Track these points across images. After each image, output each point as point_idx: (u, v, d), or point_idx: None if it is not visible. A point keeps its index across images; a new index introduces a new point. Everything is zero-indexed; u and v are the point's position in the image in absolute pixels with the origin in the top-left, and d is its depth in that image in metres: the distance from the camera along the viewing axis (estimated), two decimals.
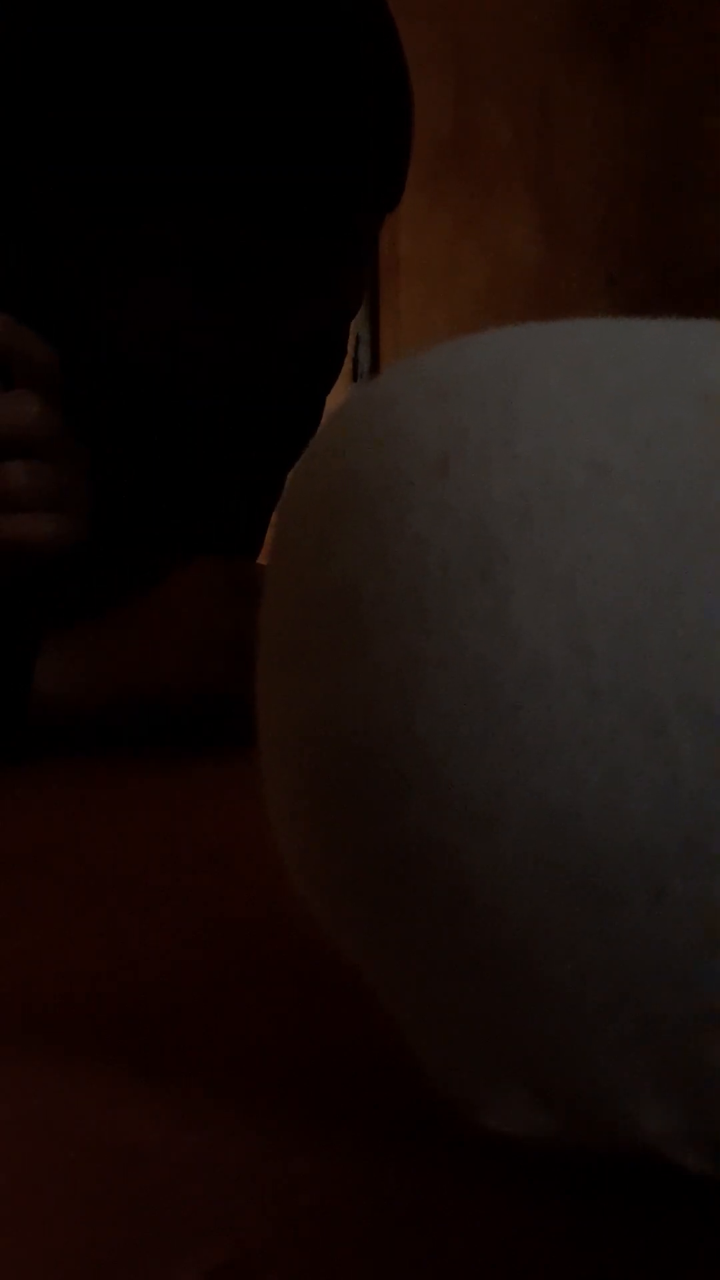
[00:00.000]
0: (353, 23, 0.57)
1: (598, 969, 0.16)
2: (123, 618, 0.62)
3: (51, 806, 0.50)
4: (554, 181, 1.99)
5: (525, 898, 0.16)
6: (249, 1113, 0.21)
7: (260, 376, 0.64)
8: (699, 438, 0.16)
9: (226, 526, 0.71)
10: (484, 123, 2.02)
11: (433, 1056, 0.19)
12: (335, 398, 0.75)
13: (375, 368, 2.06)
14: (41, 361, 0.56)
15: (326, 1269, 0.17)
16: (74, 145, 0.55)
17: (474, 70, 2.02)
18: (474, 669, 0.16)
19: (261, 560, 0.75)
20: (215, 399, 0.64)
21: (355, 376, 1.96)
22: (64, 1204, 0.19)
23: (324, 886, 0.19)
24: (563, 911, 0.16)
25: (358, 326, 2.04)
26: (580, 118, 1.98)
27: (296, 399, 0.70)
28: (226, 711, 0.59)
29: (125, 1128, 0.21)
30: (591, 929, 0.16)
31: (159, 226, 0.56)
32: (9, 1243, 0.18)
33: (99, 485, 0.60)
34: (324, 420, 0.21)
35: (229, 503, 0.71)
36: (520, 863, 0.16)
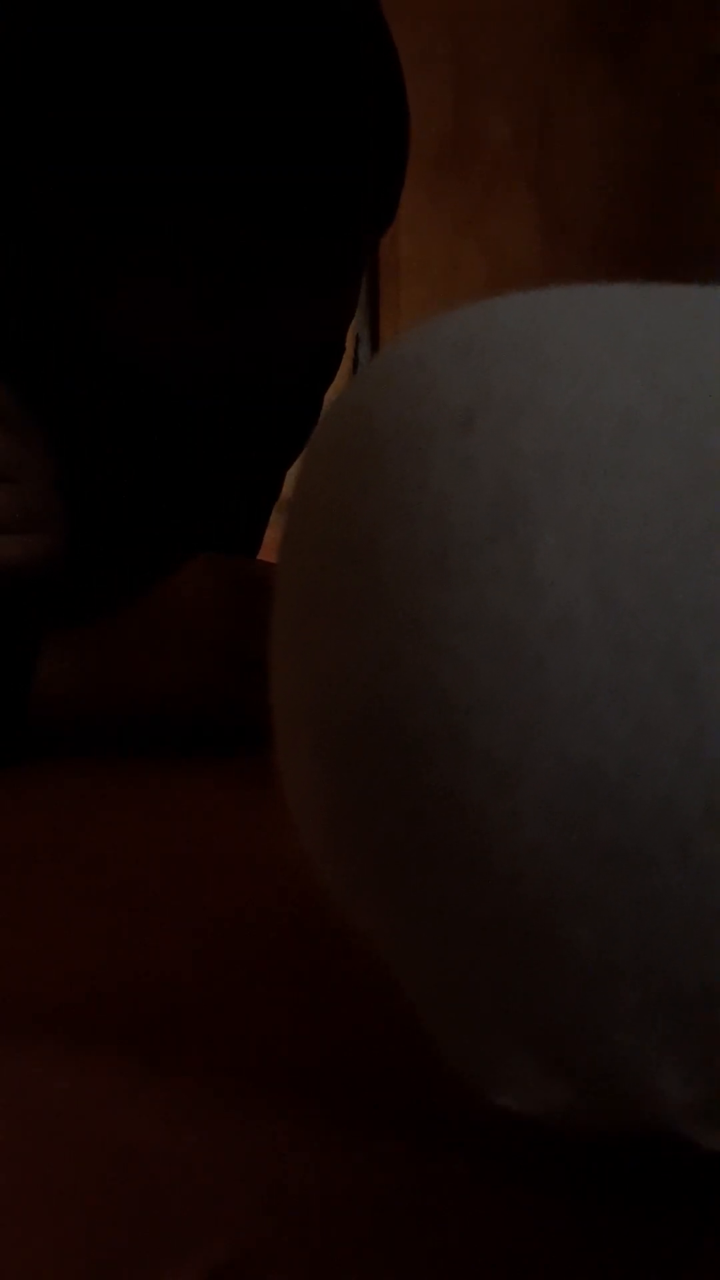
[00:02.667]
0: (352, 23, 0.57)
1: (620, 931, 0.16)
2: (125, 619, 0.62)
3: (51, 807, 0.50)
4: (554, 181, 1.99)
5: (547, 856, 0.16)
6: (249, 1112, 0.21)
7: (259, 377, 0.64)
8: None
9: (226, 527, 0.71)
10: (484, 123, 2.02)
11: (446, 1027, 0.19)
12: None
13: None
14: None
15: (327, 1269, 0.17)
16: (74, 145, 0.55)
17: (474, 70, 2.01)
18: (497, 623, 0.16)
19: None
20: (214, 399, 0.64)
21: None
22: (64, 1204, 0.19)
23: (339, 848, 0.19)
24: (585, 870, 0.16)
25: (358, 326, 2.03)
26: (580, 118, 1.98)
27: (295, 399, 0.70)
28: (228, 713, 0.59)
29: (125, 1128, 0.21)
30: (615, 889, 0.16)
31: (158, 227, 0.56)
32: (9, 1242, 0.18)
33: (96, 486, 0.60)
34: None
35: (228, 502, 0.71)
36: (543, 820, 0.16)
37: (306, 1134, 0.20)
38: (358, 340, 2.04)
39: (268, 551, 0.73)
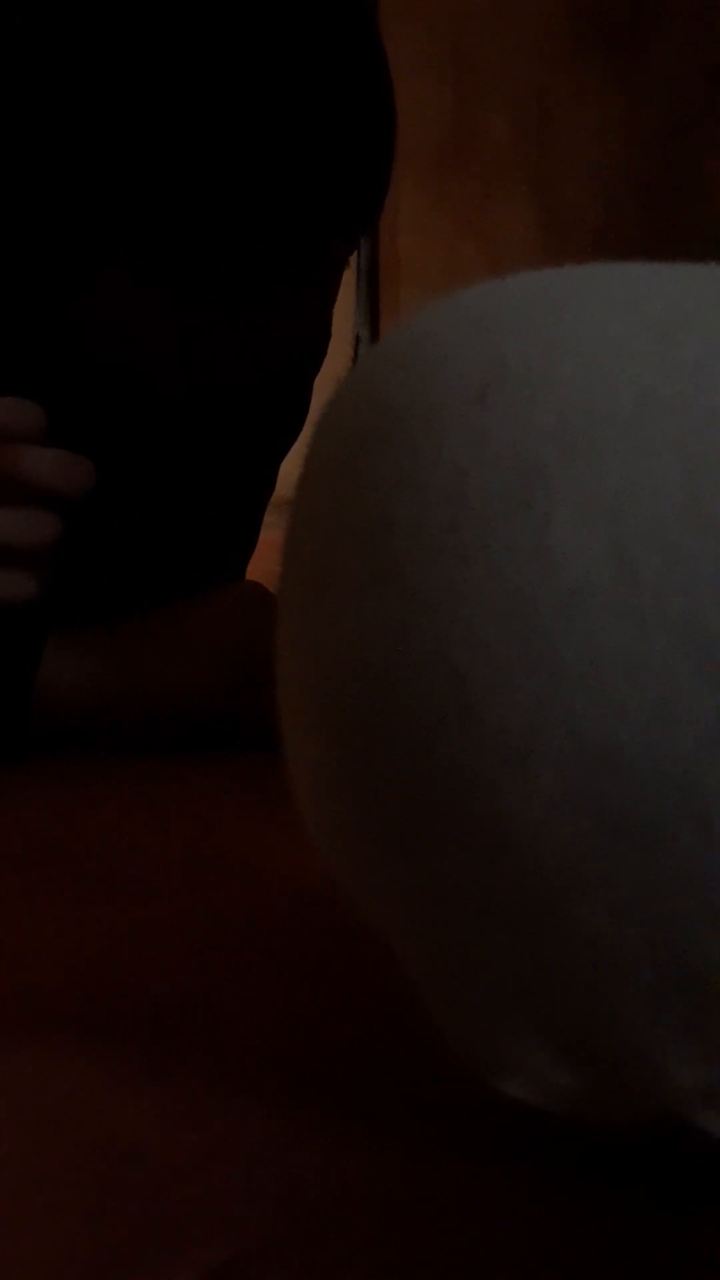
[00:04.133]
0: (338, 27, 0.57)
1: (635, 910, 0.16)
2: (140, 627, 0.63)
3: (53, 806, 0.50)
4: (554, 181, 1.99)
5: (561, 834, 0.16)
6: (249, 1111, 0.21)
7: (245, 370, 0.64)
8: None
9: (222, 523, 0.71)
10: (484, 123, 2.02)
11: (454, 1013, 0.19)
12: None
13: None
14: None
15: (329, 1268, 0.17)
16: (47, 158, 0.55)
17: (474, 70, 2.01)
18: (512, 597, 0.16)
19: (263, 562, 0.75)
20: (202, 395, 0.64)
21: None
22: (64, 1203, 0.18)
23: (347, 828, 0.19)
24: (601, 849, 0.15)
25: (357, 326, 2.03)
26: (580, 118, 1.98)
27: (284, 389, 0.70)
28: (235, 724, 0.59)
29: (125, 1127, 0.21)
30: (630, 867, 0.15)
31: (137, 226, 0.56)
32: (9, 1242, 0.17)
33: (92, 494, 0.60)
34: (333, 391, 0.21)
35: (223, 499, 0.71)
36: (557, 797, 0.15)
37: (307, 1134, 0.20)
38: (357, 340, 2.04)
39: (266, 553, 0.73)
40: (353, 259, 0.67)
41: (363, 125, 0.58)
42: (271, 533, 0.76)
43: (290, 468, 0.74)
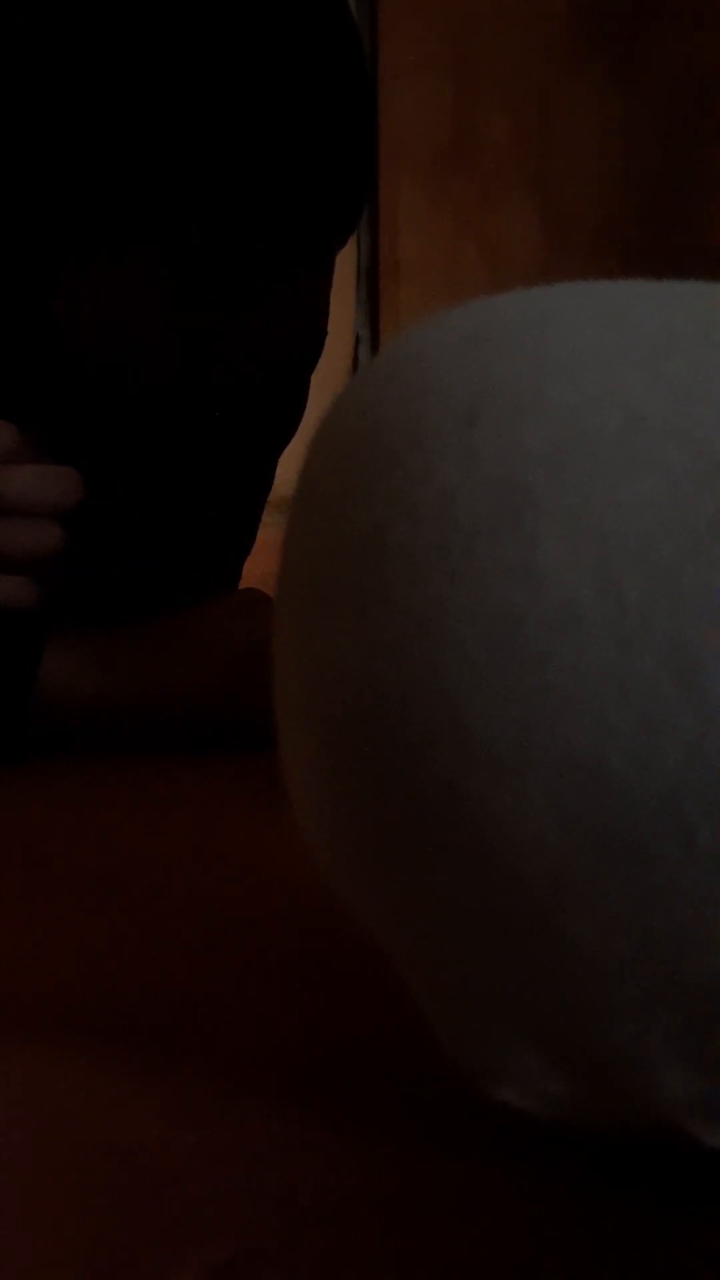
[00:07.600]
0: (324, 39, 0.57)
1: (622, 923, 0.16)
2: (140, 628, 0.63)
3: (53, 807, 0.50)
4: (554, 181, 1.99)
5: (550, 849, 0.16)
6: (250, 1112, 0.21)
7: (239, 368, 0.64)
8: None
9: (220, 522, 0.71)
10: (484, 123, 2.02)
11: (447, 1021, 0.19)
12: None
13: None
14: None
15: (329, 1269, 0.17)
16: (39, 157, 0.55)
17: (474, 71, 2.01)
18: (501, 616, 0.16)
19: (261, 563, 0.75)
20: (196, 393, 0.64)
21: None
22: (64, 1203, 0.19)
23: (341, 842, 0.19)
24: (588, 863, 0.16)
25: (358, 326, 2.03)
26: (580, 118, 1.98)
27: (279, 388, 0.70)
28: (235, 725, 0.59)
29: (125, 1127, 0.21)
30: (617, 881, 0.16)
31: (123, 229, 0.56)
32: (9, 1242, 0.18)
33: (89, 498, 0.60)
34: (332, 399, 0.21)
35: (220, 497, 0.71)
36: (546, 813, 0.16)
37: (307, 1134, 0.20)
38: (357, 340, 2.04)
39: (266, 551, 0.73)
40: (352, 259, 0.67)
41: (351, 120, 0.58)
42: (269, 532, 0.76)
43: (288, 466, 0.74)
